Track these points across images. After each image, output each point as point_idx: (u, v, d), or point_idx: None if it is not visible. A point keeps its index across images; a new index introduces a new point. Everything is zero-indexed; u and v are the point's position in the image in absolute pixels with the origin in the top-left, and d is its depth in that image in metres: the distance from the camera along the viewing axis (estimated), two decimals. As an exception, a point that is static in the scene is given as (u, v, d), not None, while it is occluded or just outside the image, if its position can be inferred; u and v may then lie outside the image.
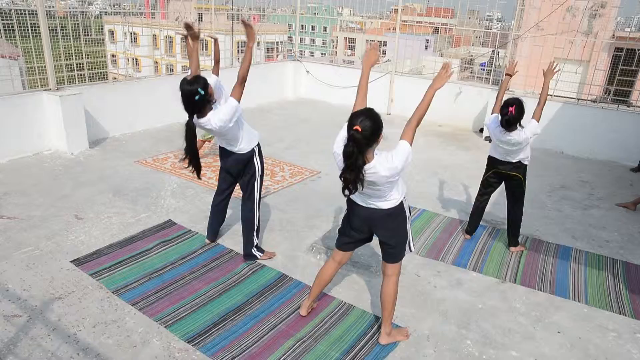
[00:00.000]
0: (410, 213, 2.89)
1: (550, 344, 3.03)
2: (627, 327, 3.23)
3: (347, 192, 2.56)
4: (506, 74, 4.11)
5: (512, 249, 4.12)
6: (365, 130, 2.45)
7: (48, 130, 5.99)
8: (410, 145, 2.61)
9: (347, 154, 2.48)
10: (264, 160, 3.78)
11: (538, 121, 3.86)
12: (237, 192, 3.94)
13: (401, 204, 2.74)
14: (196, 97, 3.29)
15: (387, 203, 2.68)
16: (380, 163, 2.54)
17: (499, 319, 3.24)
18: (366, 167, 2.52)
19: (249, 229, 3.73)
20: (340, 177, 2.55)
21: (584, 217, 4.94)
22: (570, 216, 4.94)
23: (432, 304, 3.37)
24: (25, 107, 5.74)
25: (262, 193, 3.82)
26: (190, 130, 3.28)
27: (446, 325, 3.15)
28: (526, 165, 4.01)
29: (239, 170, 3.65)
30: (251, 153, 3.61)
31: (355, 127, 2.46)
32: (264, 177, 3.84)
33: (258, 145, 3.69)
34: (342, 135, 2.61)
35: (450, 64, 2.71)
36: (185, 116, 3.44)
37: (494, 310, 3.34)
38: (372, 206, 2.69)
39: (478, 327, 3.15)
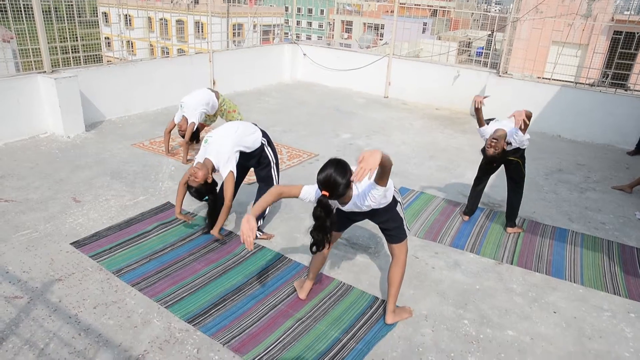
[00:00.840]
0: (401, 198, 2.93)
1: (546, 323, 3.07)
2: (621, 307, 3.28)
3: (314, 248, 2.61)
4: (475, 109, 4.04)
5: (509, 229, 4.16)
6: (333, 194, 2.43)
7: (44, 113, 5.94)
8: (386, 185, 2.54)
9: (315, 217, 2.51)
10: (275, 146, 3.88)
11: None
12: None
13: (392, 198, 2.76)
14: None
15: (379, 205, 2.71)
16: (359, 198, 2.56)
17: (496, 300, 3.28)
18: (345, 207, 2.61)
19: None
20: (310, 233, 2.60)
21: (581, 200, 4.97)
22: (566, 199, 4.98)
23: (430, 285, 3.40)
24: (20, 90, 5.68)
25: (279, 178, 3.91)
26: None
27: (444, 305, 3.19)
28: (524, 149, 4.02)
29: (255, 163, 3.80)
30: (261, 147, 3.72)
31: (323, 193, 2.43)
32: (279, 164, 3.96)
33: (265, 137, 3.78)
34: (314, 189, 2.59)
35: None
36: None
37: (491, 290, 3.38)
38: (364, 209, 2.69)
39: (475, 307, 3.19)
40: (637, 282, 3.55)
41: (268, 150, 3.78)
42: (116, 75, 6.76)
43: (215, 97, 5.52)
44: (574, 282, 3.53)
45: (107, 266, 3.38)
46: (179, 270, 3.38)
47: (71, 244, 3.65)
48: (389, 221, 2.82)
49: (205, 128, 6.30)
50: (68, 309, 2.94)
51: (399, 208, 2.83)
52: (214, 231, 3.57)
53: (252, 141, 3.66)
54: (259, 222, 3.87)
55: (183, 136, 5.37)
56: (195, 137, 5.50)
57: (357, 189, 2.56)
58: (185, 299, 3.07)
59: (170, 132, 5.48)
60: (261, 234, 3.87)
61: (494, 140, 3.76)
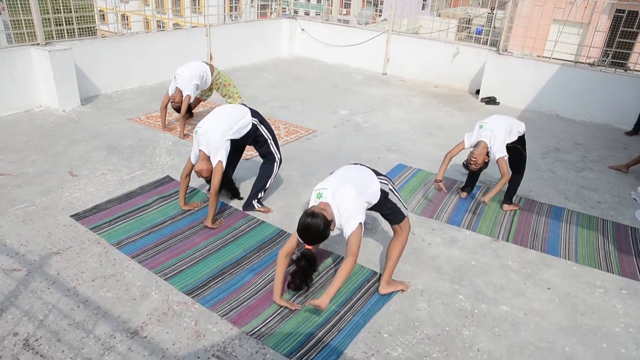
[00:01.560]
0: (392, 186, 2.91)
1: (540, 299, 3.11)
2: (614, 284, 3.33)
3: (292, 287, 2.86)
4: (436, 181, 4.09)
5: (506, 207, 4.18)
6: (318, 242, 2.64)
7: (38, 87, 5.87)
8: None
9: (299, 267, 2.71)
10: (273, 122, 3.87)
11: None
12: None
13: (380, 191, 2.78)
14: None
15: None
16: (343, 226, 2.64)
17: (491, 276, 3.32)
18: (333, 233, 2.69)
19: (260, 185, 3.87)
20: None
21: (577, 179, 4.99)
22: (563, 178, 4.99)
23: (426, 261, 3.43)
24: (13, 62, 5.59)
25: (281, 154, 3.92)
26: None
27: (440, 280, 3.23)
28: (522, 135, 4.03)
29: (252, 142, 3.82)
30: (254, 128, 3.71)
31: (307, 247, 2.66)
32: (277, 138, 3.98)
33: (255, 116, 3.75)
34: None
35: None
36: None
37: (487, 267, 3.42)
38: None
39: (471, 283, 3.23)
40: (630, 260, 3.60)
41: (262, 129, 3.76)
42: (111, 48, 6.65)
43: (210, 70, 5.44)
44: (569, 259, 3.57)
45: (107, 238, 3.38)
46: (179, 244, 3.39)
47: (71, 216, 3.65)
48: (384, 209, 2.91)
49: (201, 103, 6.24)
50: (66, 281, 2.96)
51: (390, 197, 2.85)
52: (208, 222, 3.58)
53: (242, 126, 3.63)
54: (260, 195, 3.89)
55: (176, 108, 5.32)
56: (189, 111, 5.46)
57: (338, 223, 2.63)
58: (184, 272, 3.09)
59: (165, 107, 5.43)
60: (259, 206, 3.89)
61: (474, 158, 3.86)
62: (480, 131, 3.92)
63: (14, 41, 5.91)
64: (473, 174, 4.32)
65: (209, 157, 3.53)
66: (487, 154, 3.88)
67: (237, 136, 3.62)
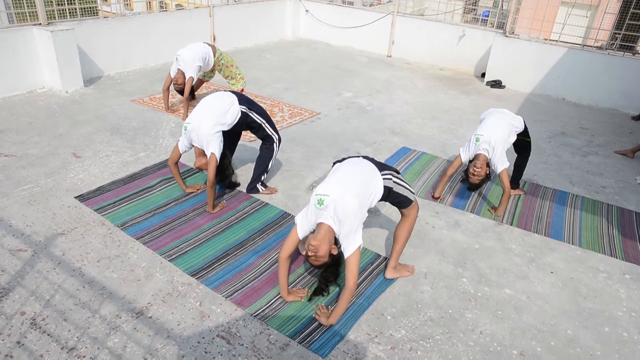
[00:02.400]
0: (396, 179, 2.80)
1: (543, 283, 3.12)
2: (617, 268, 3.33)
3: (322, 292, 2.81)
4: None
5: (511, 191, 4.16)
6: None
7: (41, 68, 5.83)
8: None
9: (325, 266, 2.65)
10: (261, 104, 3.82)
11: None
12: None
13: (384, 188, 2.73)
14: None
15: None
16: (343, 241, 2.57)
17: (494, 259, 3.32)
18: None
19: (262, 168, 3.86)
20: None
21: (582, 164, 4.96)
22: (568, 162, 4.96)
23: (429, 244, 3.44)
24: (15, 43, 5.55)
25: (279, 134, 3.90)
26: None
27: (443, 263, 3.23)
28: (524, 128, 3.99)
29: (246, 128, 3.79)
30: (244, 115, 3.68)
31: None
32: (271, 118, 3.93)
33: (243, 104, 3.69)
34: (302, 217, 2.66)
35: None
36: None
37: (490, 250, 3.42)
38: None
39: (474, 266, 3.23)
40: (633, 245, 3.59)
41: (253, 115, 3.71)
42: (114, 29, 6.59)
43: (212, 51, 5.38)
44: (572, 243, 3.57)
45: (112, 219, 3.39)
46: (183, 225, 3.40)
47: (75, 197, 3.66)
48: (389, 200, 2.85)
49: (204, 84, 6.21)
50: (72, 262, 2.98)
51: (395, 189, 2.77)
52: (208, 209, 3.59)
53: (231, 117, 3.60)
54: (263, 177, 3.89)
55: (179, 90, 5.28)
56: (191, 93, 5.42)
57: (336, 234, 2.57)
58: (189, 253, 3.11)
59: (168, 89, 5.39)
60: (264, 189, 3.89)
61: (477, 170, 3.70)
62: (477, 144, 3.73)
63: (16, 21, 5.86)
64: (473, 188, 3.97)
65: (204, 151, 3.56)
66: (488, 164, 3.75)
67: (228, 127, 3.60)
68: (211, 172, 3.47)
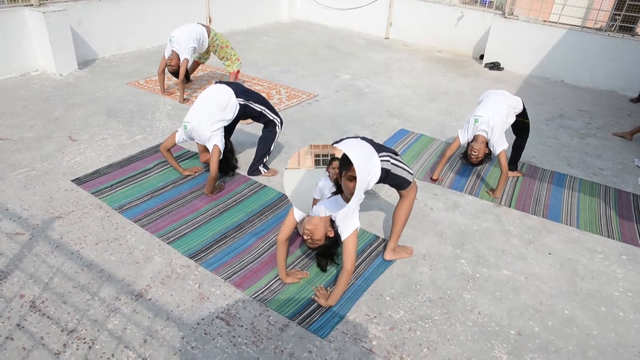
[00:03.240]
0: (394, 161, 2.75)
1: (541, 264, 3.14)
2: (614, 249, 3.35)
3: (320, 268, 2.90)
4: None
5: (510, 173, 4.15)
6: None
7: (34, 50, 5.75)
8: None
9: (322, 246, 2.70)
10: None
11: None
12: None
13: (382, 170, 2.67)
14: None
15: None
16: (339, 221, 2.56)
17: (492, 241, 3.33)
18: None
19: (264, 150, 3.86)
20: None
21: (581, 146, 4.95)
22: (567, 144, 4.96)
23: (428, 225, 3.44)
24: (7, 25, 5.45)
25: (280, 117, 3.88)
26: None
27: (442, 245, 3.24)
28: (523, 109, 3.96)
29: (246, 117, 3.78)
30: (243, 106, 3.66)
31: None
32: (272, 105, 3.91)
33: (240, 96, 3.65)
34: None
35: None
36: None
37: (489, 232, 3.43)
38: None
39: (472, 247, 3.24)
40: (630, 226, 3.61)
41: (252, 105, 3.70)
42: (108, 10, 6.48)
43: (207, 32, 5.30)
44: (570, 225, 3.58)
45: (109, 203, 3.38)
46: (180, 208, 3.39)
47: (72, 181, 3.63)
48: (387, 182, 2.82)
49: (200, 66, 6.14)
50: (70, 245, 2.97)
51: (393, 171, 2.72)
52: (207, 191, 3.57)
53: (229, 112, 3.59)
54: (265, 159, 3.88)
55: (173, 72, 5.22)
56: (187, 75, 5.36)
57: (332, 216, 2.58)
58: (187, 236, 3.10)
59: (163, 71, 5.33)
60: (266, 171, 3.88)
61: (475, 152, 3.72)
62: (476, 125, 3.73)
63: (7, 1, 5.74)
64: (473, 165, 4.06)
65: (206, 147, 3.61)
66: (487, 144, 3.75)
67: (228, 122, 3.62)
68: (214, 164, 3.47)
